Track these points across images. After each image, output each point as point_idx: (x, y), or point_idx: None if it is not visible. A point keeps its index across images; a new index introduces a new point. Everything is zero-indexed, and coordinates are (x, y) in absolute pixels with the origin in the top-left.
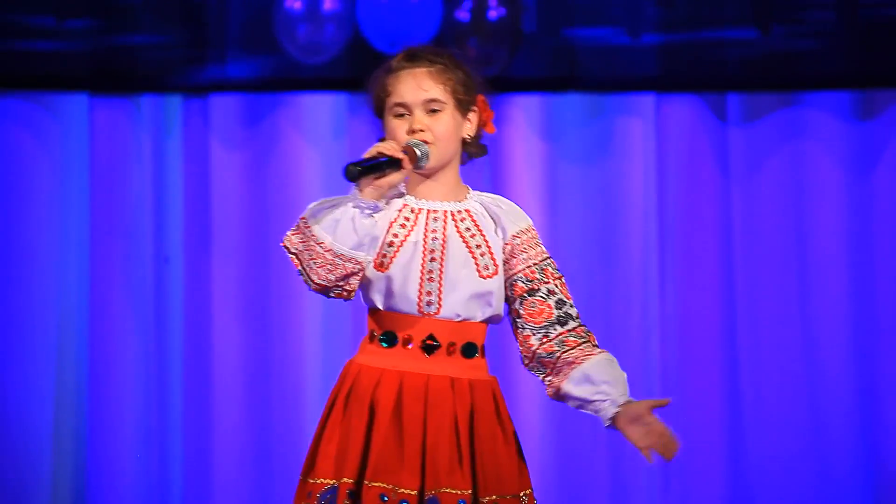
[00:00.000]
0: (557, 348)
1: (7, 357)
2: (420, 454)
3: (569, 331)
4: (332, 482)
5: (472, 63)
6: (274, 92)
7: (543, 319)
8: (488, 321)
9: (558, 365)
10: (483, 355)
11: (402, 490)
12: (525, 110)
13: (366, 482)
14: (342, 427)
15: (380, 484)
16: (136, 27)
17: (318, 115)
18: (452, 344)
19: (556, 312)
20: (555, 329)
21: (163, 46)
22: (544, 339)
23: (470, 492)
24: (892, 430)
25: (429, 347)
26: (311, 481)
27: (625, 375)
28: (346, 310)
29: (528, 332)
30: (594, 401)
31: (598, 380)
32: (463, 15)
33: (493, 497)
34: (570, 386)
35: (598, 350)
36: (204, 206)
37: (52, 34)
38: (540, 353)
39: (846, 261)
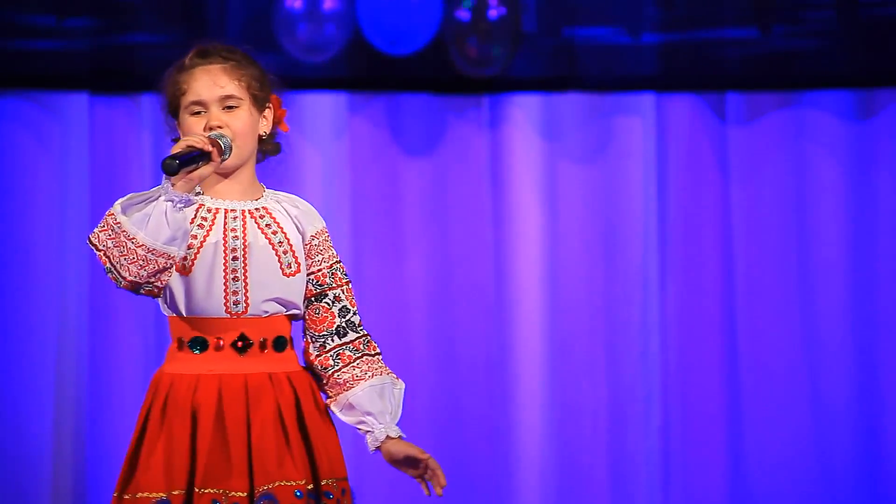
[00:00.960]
0: (332, 363)
1: (7, 357)
2: (246, 455)
3: (346, 343)
4: (161, 495)
5: (475, 65)
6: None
7: (324, 328)
8: (293, 317)
9: (330, 384)
10: (292, 347)
11: (232, 493)
12: (525, 110)
13: (196, 490)
14: (164, 438)
15: (210, 490)
16: (137, 26)
17: (318, 114)
18: (264, 340)
19: (337, 321)
20: (332, 340)
21: (163, 45)
22: (321, 351)
23: (303, 481)
24: (892, 430)
25: (242, 347)
26: (132, 496)
27: (391, 404)
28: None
29: (308, 338)
30: (359, 428)
31: (360, 410)
32: (463, 14)
33: (331, 480)
34: (336, 410)
35: (372, 371)
36: None
37: (51, 33)
38: (316, 365)
39: (847, 260)
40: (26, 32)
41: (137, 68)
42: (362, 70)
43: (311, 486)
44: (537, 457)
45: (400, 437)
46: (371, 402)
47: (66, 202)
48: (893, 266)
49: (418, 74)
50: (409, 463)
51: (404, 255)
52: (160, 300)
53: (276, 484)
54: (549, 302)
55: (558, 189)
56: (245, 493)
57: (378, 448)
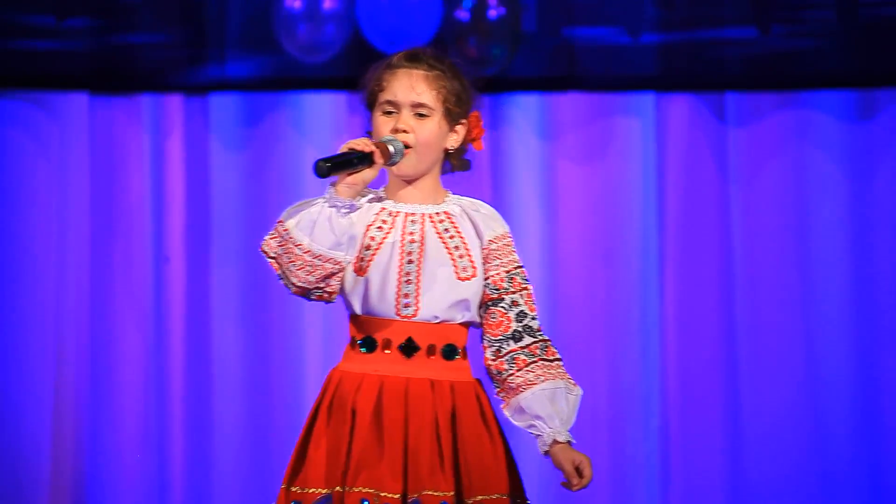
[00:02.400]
0: (507, 367)
1: (6, 357)
2: (402, 457)
3: (522, 348)
4: (325, 491)
5: (474, 65)
6: (274, 91)
7: (500, 333)
8: (468, 324)
9: (504, 388)
10: (465, 357)
11: (385, 494)
12: (524, 110)
13: (347, 488)
14: (328, 435)
15: (361, 489)
16: (136, 26)
17: (318, 114)
18: (432, 346)
19: (513, 326)
20: (508, 345)
21: (163, 46)
22: (497, 355)
23: (452, 493)
24: (892, 430)
25: (408, 350)
26: (300, 490)
27: (563, 409)
28: (344, 311)
29: (485, 343)
30: (530, 431)
31: (530, 414)
32: (463, 14)
33: (479, 498)
34: (508, 414)
35: (546, 375)
36: (204, 205)
37: (51, 33)
38: (492, 370)
39: (847, 260)
40: (26, 32)
41: (137, 68)
42: (362, 70)
43: (456, 500)
44: (537, 457)
45: (568, 442)
46: (541, 406)
47: (66, 202)
48: (893, 266)
49: None
50: (570, 469)
51: None
52: (342, 300)
53: (426, 493)
54: (548, 302)
55: (558, 189)
56: (398, 495)
57: (547, 452)
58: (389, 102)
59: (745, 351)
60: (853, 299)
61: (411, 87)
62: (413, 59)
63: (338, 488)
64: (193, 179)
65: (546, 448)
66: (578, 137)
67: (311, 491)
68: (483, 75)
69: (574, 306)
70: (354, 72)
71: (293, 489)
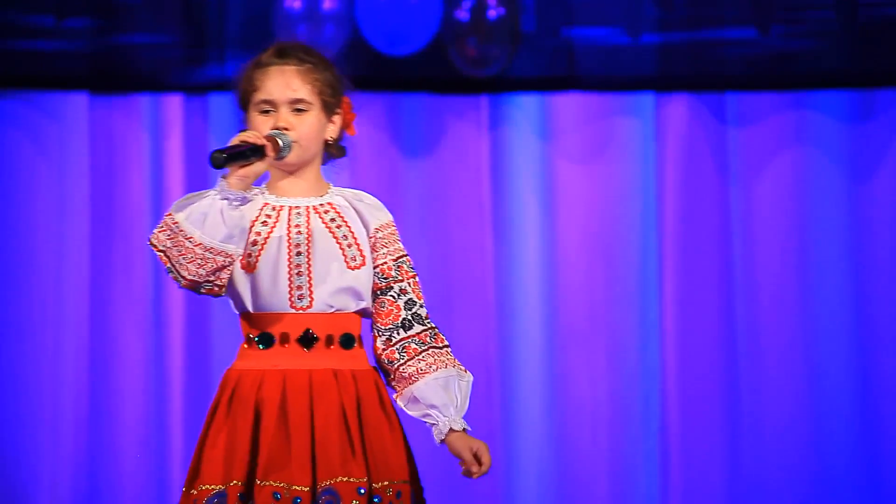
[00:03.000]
0: (398, 357)
1: (6, 358)
2: (310, 449)
3: (412, 336)
4: (219, 487)
5: (474, 65)
6: None
7: (390, 321)
8: (362, 313)
9: (396, 377)
10: (361, 346)
11: (295, 487)
12: (524, 110)
13: (257, 482)
14: (226, 431)
15: (271, 482)
16: (136, 27)
17: None
18: (330, 336)
19: (402, 314)
20: (398, 333)
21: (162, 46)
22: (387, 344)
23: (366, 479)
24: (892, 431)
25: (307, 341)
26: (195, 490)
27: (457, 397)
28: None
29: (375, 332)
30: (425, 420)
31: (425, 403)
32: (462, 14)
33: (385, 483)
34: (402, 404)
35: (437, 363)
36: None
37: (51, 34)
38: (383, 359)
39: (846, 261)
40: (26, 33)
41: (137, 68)
42: (361, 70)
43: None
44: (536, 457)
45: (464, 429)
46: (435, 395)
47: (65, 202)
48: (893, 267)
49: (417, 75)
50: (468, 456)
51: None
52: (230, 300)
53: (339, 480)
54: (548, 302)
55: (557, 189)
56: (307, 488)
57: (443, 441)
58: (265, 102)
59: (744, 351)
60: (852, 299)
61: (286, 83)
62: (283, 55)
63: (234, 482)
64: (193, 180)
65: (442, 437)
66: (578, 138)
67: (204, 488)
68: (480, 75)
69: (573, 306)
70: (354, 72)
71: (192, 491)
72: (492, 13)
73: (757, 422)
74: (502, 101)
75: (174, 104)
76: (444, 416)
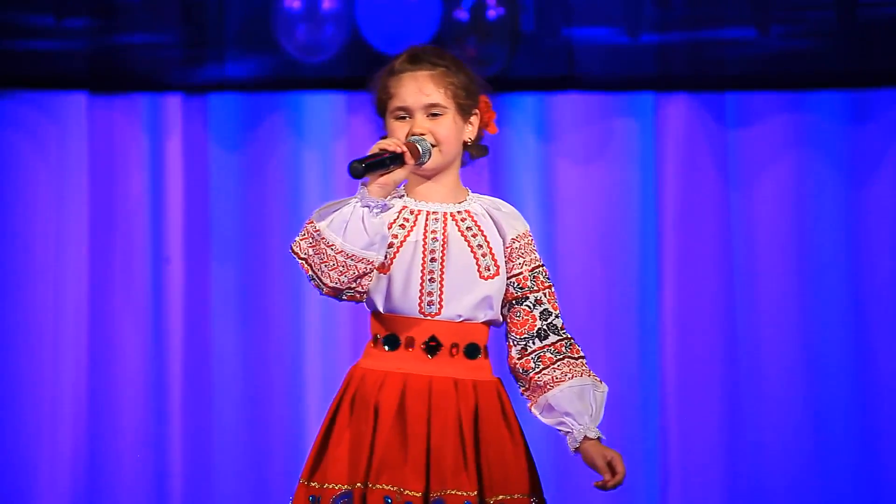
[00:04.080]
0: (533, 366)
1: (5, 358)
2: (425, 455)
3: (548, 346)
4: (345, 487)
5: (474, 64)
6: (273, 91)
7: (525, 331)
8: (490, 323)
9: (531, 387)
10: (486, 356)
11: (407, 492)
12: (523, 110)
13: (369, 485)
14: (351, 431)
15: (383, 486)
16: (135, 26)
17: (317, 114)
18: (455, 345)
19: (538, 324)
20: (533, 343)
21: (162, 46)
22: (522, 353)
23: (475, 493)
24: (892, 431)
25: (431, 349)
26: (320, 486)
27: (591, 406)
28: (344, 310)
29: (509, 342)
30: (559, 430)
31: (560, 411)
32: (462, 14)
33: (500, 497)
34: (537, 412)
35: (573, 373)
36: (203, 205)
37: (50, 33)
38: (517, 369)
39: (846, 261)
40: (25, 32)
41: (136, 68)
42: (361, 70)
43: (478, 499)
44: (536, 457)
45: (599, 438)
46: (570, 403)
47: (64, 202)
48: (892, 267)
49: None
50: (602, 464)
51: None
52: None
53: (448, 492)
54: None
55: (557, 189)
56: (420, 493)
57: (577, 449)
58: (401, 109)
59: (743, 351)
60: (851, 299)
61: (419, 89)
62: (415, 61)
63: (359, 485)
64: (192, 179)
65: (576, 445)
66: (577, 138)
67: (330, 487)
68: (479, 75)
69: (573, 306)
70: (354, 72)
71: (312, 484)
72: (491, 13)
73: (756, 422)
74: (501, 100)
75: (173, 104)
76: (579, 423)
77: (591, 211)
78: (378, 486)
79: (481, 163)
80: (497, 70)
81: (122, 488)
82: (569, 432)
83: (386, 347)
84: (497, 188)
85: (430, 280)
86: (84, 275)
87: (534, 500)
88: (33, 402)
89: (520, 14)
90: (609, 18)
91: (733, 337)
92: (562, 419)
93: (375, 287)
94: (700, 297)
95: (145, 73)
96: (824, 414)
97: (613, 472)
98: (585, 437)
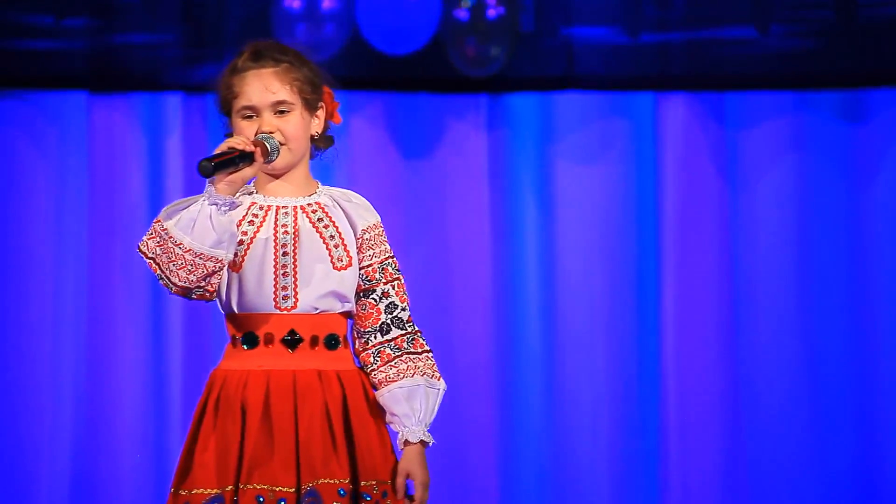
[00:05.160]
0: (372, 361)
1: (4, 359)
2: (294, 450)
3: (388, 341)
4: (215, 491)
5: (472, 64)
6: None
7: (369, 325)
8: (347, 314)
9: (370, 382)
10: (347, 346)
11: (279, 488)
12: (523, 110)
13: (241, 485)
14: (216, 434)
15: (255, 485)
16: (135, 26)
17: None
18: (315, 337)
19: (382, 318)
20: (375, 337)
21: (161, 45)
22: (364, 347)
23: (348, 480)
24: (892, 431)
25: (291, 342)
26: (188, 492)
27: (420, 408)
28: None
29: (354, 333)
30: (390, 426)
31: (388, 411)
32: (462, 14)
33: (373, 482)
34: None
35: (407, 372)
36: None
37: (50, 33)
38: (361, 363)
39: (846, 261)
40: (25, 32)
41: (136, 68)
42: (361, 70)
43: (351, 487)
44: (536, 457)
45: (423, 441)
46: (397, 404)
47: (64, 202)
48: (893, 266)
49: (417, 74)
50: (401, 481)
51: (403, 255)
52: (217, 300)
53: (321, 481)
54: (547, 301)
55: (556, 189)
56: (292, 489)
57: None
58: (247, 108)
59: (743, 351)
60: (851, 299)
61: (265, 87)
62: (258, 58)
63: (229, 487)
64: (192, 179)
65: (401, 446)
66: (577, 137)
67: (198, 492)
68: (479, 74)
69: (572, 306)
70: (354, 72)
71: (181, 492)
72: (491, 13)
73: (756, 422)
74: (501, 100)
75: (173, 103)
76: (404, 426)
77: (590, 211)
78: (249, 486)
79: (481, 163)
80: (497, 69)
81: (122, 488)
82: (396, 433)
83: (245, 346)
84: (496, 188)
85: (283, 274)
86: (84, 275)
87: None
88: (33, 403)
89: (520, 14)
90: (609, 18)
91: (733, 337)
92: (391, 419)
93: (229, 287)
94: (700, 296)
95: (145, 72)
96: (824, 415)
97: (411, 498)
98: (406, 441)
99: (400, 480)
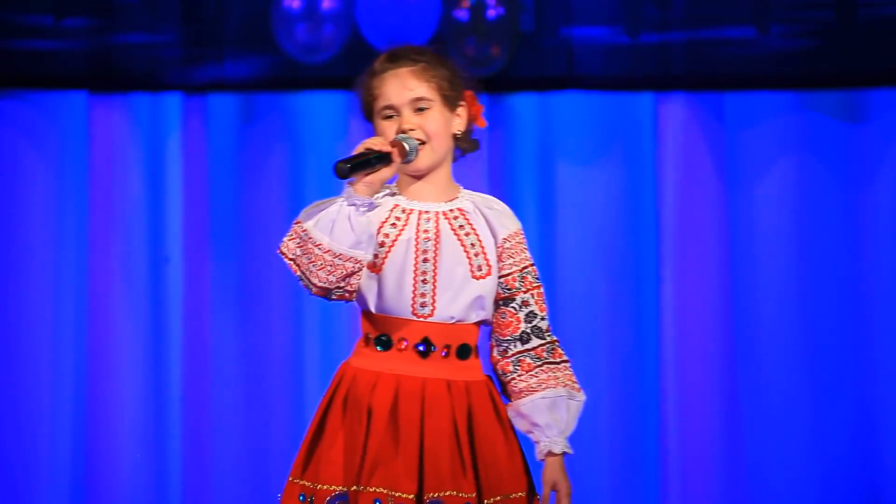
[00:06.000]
0: (511, 370)
1: (4, 359)
2: (418, 458)
3: (528, 350)
4: (341, 488)
5: (471, 64)
6: (272, 91)
7: (508, 333)
8: (482, 322)
9: (508, 390)
10: (477, 356)
11: (398, 494)
12: (523, 110)
13: (361, 487)
14: (344, 431)
15: (375, 489)
16: (135, 26)
17: (317, 114)
18: (447, 346)
19: (522, 327)
20: (515, 346)
21: (161, 45)
22: (503, 355)
23: (474, 494)
24: (892, 431)
25: (424, 351)
26: (312, 485)
27: (562, 418)
28: (344, 310)
29: (493, 341)
30: (529, 436)
31: (529, 420)
32: (461, 14)
33: (498, 498)
34: (511, 416)
35: (549, 382)
36: (202, 205)
37: (49, 33)
38: (497, 370)
39: (845, 261)
40: (24, 32)
41: (136, 68)
42: (361, 70)
43: (477, 502)
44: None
45: (563, 453)
46: (540, 414)
47: (64, 202)
48: (892, 266)
49: None
50: (547, 492)
51: None
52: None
53: (448, 493)
54: (546, 301)
55: (556, 189)
56: (412, 496)
57: (542, 460)
58: (387, 108)
59: (743, 351)
60: (851, 299)
61: (403, 86)
62: (395, 59)
63: (354, 487)
64: (192, 179)
65: (542, 457)
66: (577, 137)
67: (324, 487)
68: (479, 74)
69: (572, 306)
70: (353, 72)
71: (304, 483)
72: (491, 13)
73: (756, 423)
74: (501, 100)
75: (173, 103)
76: (546, 437)
77: (590, 211)
78: (369, 488)
79: (480, 163)
80: (496, 69)
81: (121, 488)
82: (536, 442)
83: (378, 348)
84: (496, 188)
85: (423, 281)
86: (84, 275)
87: (530, 499)
88: (33, 403)
89: (520, 14)
90: (609, 18)
91: (733, 336)
92: (531, 428)
93: (367, 287)
94: (699, 296)
95: (145, 72)
96: (824, 416)
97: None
98: (549, 452)
99: (546, 491)
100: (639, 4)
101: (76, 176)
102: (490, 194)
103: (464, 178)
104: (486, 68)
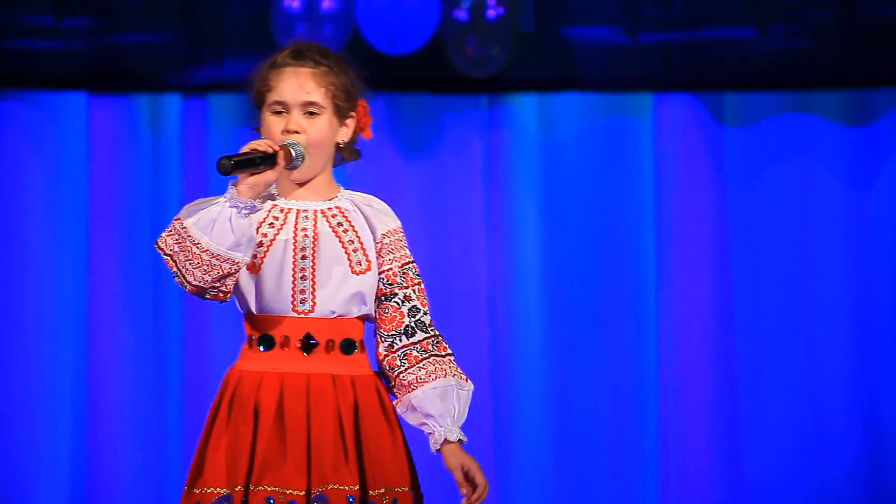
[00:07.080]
0: (399, 364)
1: (4, 359)
2: (305, 454)
3: (414, 343)
4: (224, 491)
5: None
6: None
7: (393, 328)
8: (365, 318)
9: (396, 384)
10: (363, 351)
11: (289, 491)
12: (523, 109)
13: (251, 487)
14: (229, 434)
15: (265, 487)
16: (135, 26)
17: None
18: (331, 341)
19: (406, 321)
20: (400, 340)
21: (161, 45)
22: (389, 350)
23: (357, 487)
24: (892, 432)
25: (307, 346)
26: (200, 491)
27: (454, 407)
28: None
29: (378, 337)
30: (422, 429)
31: (422, 412)
32: (461, 14)
33: (382, 490)
34: (401, 411)
35: (437, 372)
36: None
37: (50, 33)
38: (384, 365)
39: (845, 261)
40: (25, 32)
41: (136, 68)
42: (360, 70)
43: (360, 494)
44: (535, 457)
45: (459, 440)
46: (432, 405)
47: (64, 202)
48: (892, 266)
49: (416, 74)
50: (459, 476)
51: None
52: (234, 299)
53: (330, 487)
54: (546, 302)
55: (556, 188)
56: (302, 492)
57: (439, 451)
58: (279, 103)
59: (742, 352)
60: (850, 299)
61: (299, 86)
62: (299, 57)
63: (239, 488)
64: (192, 179)
65: (437, 447)
66: (576, 137)
67: (209, 491)
68: (479, 75)
69: (572, 306)
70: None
71: (194, 491)
72: (491, 13)
73: (755, 423)
74: (501, 100)
75: (173, 104)
76: (441, 426)
77: (590, 210)
78: (260, 487)
79: (480, 163)
80: (496, 70)
81: (121, 489)
82: (430, 433)
83: (261, 348)
84: (496, 188)
85: (301, 278)
86: (84, 275)
87: (413, 494)
88: (33, 403)
89: (519, 14)
90: (608, 18)
91: (731, 337)
92: (424, 420)
93: (247, 288)
94: (699, 295)
95: (145, 72)
96: (824, 416)
97: (474, 485)
98: (446, 440)
99: (458, 475)
100: (639, 4)
101: (76, 176)
102: (490, 194)
103: (464, 179)
104: (486, 68)
